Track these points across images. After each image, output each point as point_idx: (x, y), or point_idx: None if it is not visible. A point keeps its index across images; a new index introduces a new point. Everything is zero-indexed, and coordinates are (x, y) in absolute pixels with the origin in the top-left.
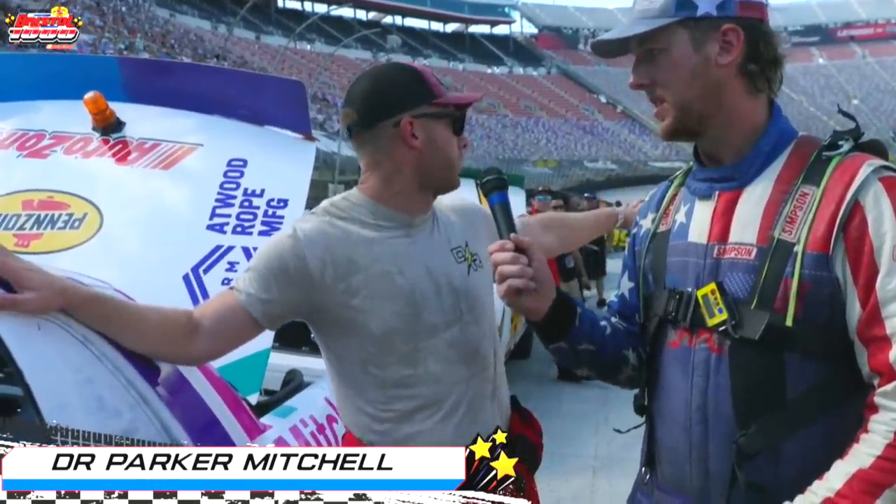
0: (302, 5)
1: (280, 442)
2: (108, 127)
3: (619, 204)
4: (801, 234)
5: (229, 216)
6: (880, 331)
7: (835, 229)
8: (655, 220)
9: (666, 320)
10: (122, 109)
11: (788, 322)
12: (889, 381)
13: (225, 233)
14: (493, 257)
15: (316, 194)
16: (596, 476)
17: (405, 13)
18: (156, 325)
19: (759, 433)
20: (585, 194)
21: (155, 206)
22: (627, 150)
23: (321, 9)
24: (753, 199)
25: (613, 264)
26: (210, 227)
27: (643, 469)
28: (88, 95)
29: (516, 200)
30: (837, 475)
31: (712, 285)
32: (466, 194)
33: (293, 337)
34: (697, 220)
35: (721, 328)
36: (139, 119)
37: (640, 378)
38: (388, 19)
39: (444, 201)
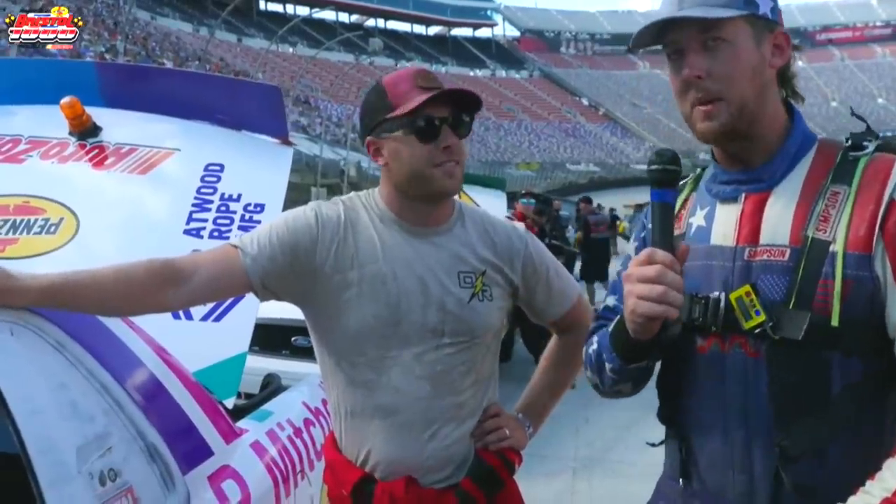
0: (284, 8)
1: (256, 445)
2: (85, 132)
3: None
4: (838, 234)
5: (206, 221)
6: None
7: (876, 229)
8: None
9: (691, 326)
10: (98, 114)
11: (834, 322)
12: None
13: (202, 237)
14: (661, 274)
15: (298, 197)
16: (576, 477)
17: (387, 16)
18: (140, 282)
19: (803, 434)
20: (583, 195)
21: (131, 211)
22: (609, 153)
23: (303, 11)
24: (783, 201)
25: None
26: (187, 232)
27: (679, 481)
28: (65, 100)
29: (497, 203)
30: (893, 474)
31: (747, 287)
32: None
33: (273, 341)
34: (721, 222)
35: (757, 331)
36: (116, 124)
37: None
38: (370, 22)
39: (485, 224)
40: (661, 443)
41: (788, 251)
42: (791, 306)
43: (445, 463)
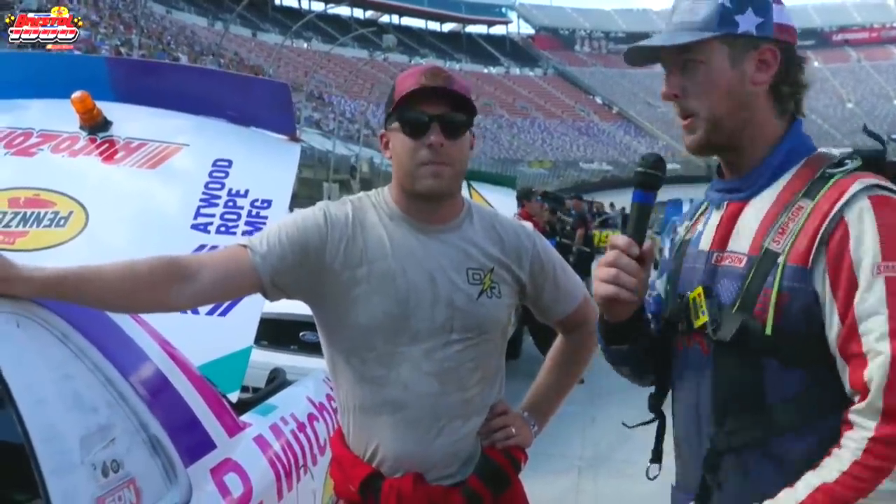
0: (299, 3)
1: (260, 439)
2: (95, 126)
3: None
4: (787, 246)
5: (213, 216)
6: (857, 348)
7: (815, 243)
8: (688, 228)
9: (672, 323)
10: (109, 109)
11: (768, 331)
12: (863, 398)
13: (209, 232)
14: (617, 258)
15: (310, 193)
16: (581, 476)
17: (402, 12)
18: (143, 279)
19: (733, 433)
20: (573, 194)
21: (140, 205)
22: (623, 152)
23: (318, 7)
24: (755, 211)
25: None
26: (194, 227)
27: (654, 466)
28: (76, 95)
29: (507, 201)
30: (804, 486)
31: (699, 289)
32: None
33: (281, 336)
34: (709, 228)
35: (706, 331)
36: (126, 119)
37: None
38: (384, 18)
39: (493, 222)
40: (637, 425)
41: (745, 259)
42: (734, 310)
43: (452, 459)
